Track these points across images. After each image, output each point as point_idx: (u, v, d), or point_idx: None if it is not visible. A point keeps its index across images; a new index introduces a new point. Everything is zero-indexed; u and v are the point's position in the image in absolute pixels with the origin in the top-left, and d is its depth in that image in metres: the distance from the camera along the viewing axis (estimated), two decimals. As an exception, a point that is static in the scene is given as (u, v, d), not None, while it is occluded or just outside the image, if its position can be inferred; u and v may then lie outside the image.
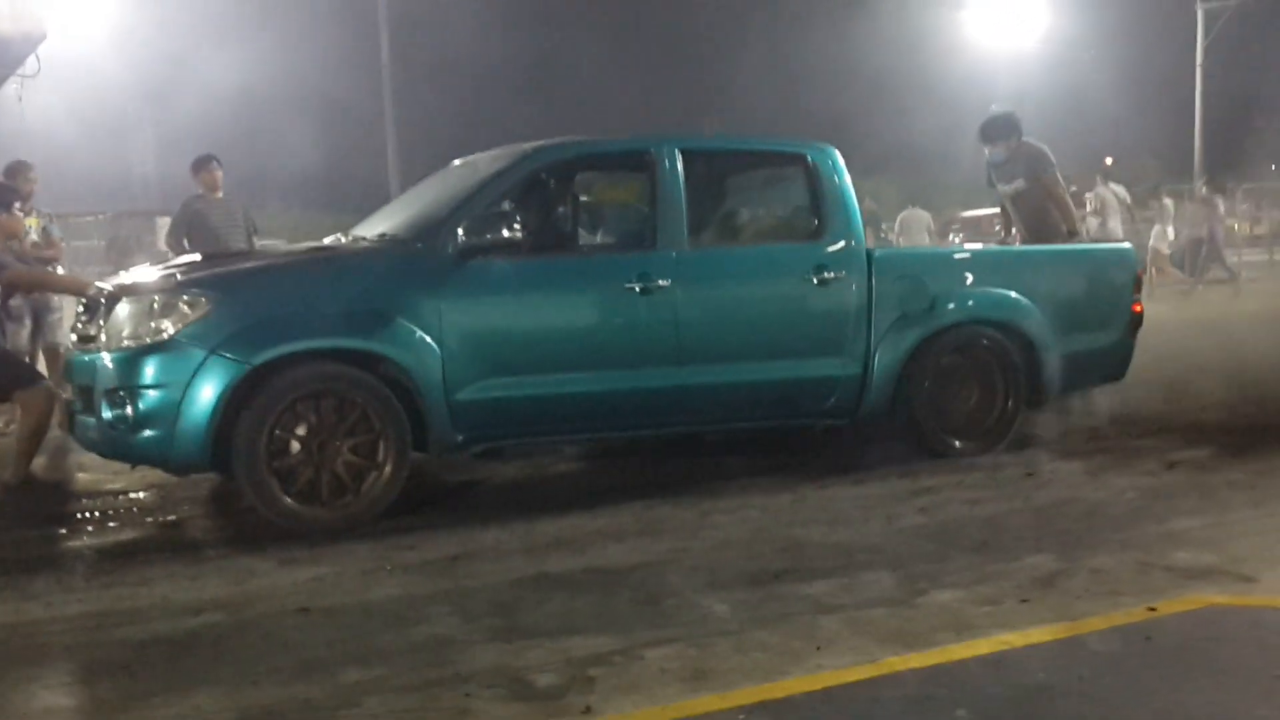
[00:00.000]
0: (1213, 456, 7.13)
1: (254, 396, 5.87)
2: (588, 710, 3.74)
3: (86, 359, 6.20)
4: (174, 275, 6.17)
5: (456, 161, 7.63)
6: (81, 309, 6.57)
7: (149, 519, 6.62)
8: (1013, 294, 7.36)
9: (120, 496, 7.13)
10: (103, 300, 6.22)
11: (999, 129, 8.92)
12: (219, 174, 10.74)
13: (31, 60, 14.45)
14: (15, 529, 6.41)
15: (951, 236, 24.43)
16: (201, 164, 10.72)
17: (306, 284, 6.20)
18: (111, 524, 6.52)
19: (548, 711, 3.76)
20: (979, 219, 26.15)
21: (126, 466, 7.00)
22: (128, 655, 4.41)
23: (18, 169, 9.85)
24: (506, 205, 6.43)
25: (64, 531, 6.40)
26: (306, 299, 6.08)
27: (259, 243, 11.00)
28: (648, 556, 5.45)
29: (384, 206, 7.76)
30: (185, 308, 5.89)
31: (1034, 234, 8.66)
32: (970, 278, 7.35)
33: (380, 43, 33.55)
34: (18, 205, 7.37)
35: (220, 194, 10.77)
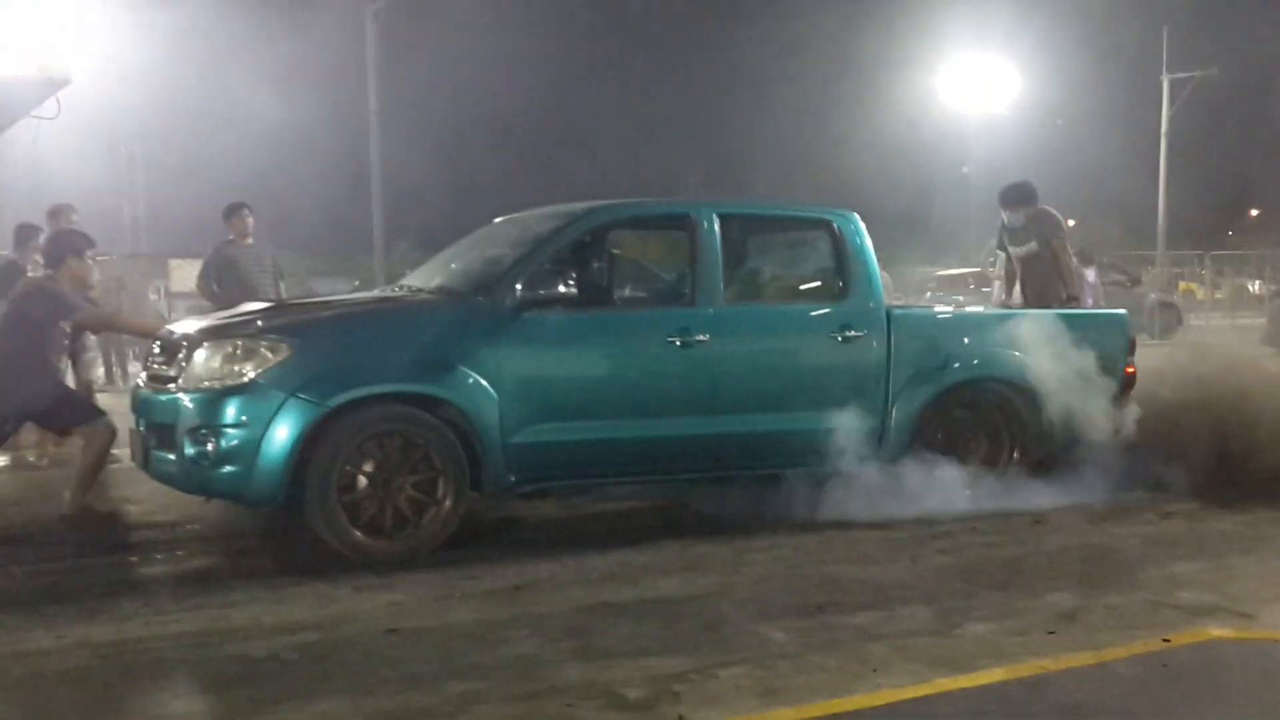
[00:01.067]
0: (1202, 508, 7.67)
1: (327, 435, 6.31)
2: (680, 719, 4.20)
3: (164, 398, 6.62)
4: (255, 322, 6.61)
5: (498, 219, 8.13)
6: (158, 351, 6.99)
7: (215, 548, 7.01)
8: (1018, 354, 7.89)
9: (177, 528, 7.50)
10: (184, 343, 6.65)
11: (1019, 196, 9.53)
12: (250, 220, 11.20)
13: (51, 103, 14.83)
14: (88, 556, 6.79)
15: (929, 294, 25.06)
16: (233, 210, 11.17)
17: (377, 332, 6.67)
18: (179, 552, 6.91)
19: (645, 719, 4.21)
20: (953, 278, 26.85)
21: (172, 499, 7.48)
22: (239, 668, 4.83)
23: (61, 211, 10.29)
24: (560, 262, 6.91)
25: (135, 559, 6.80)
26: (377, 346, 6.55)
27: (284, 287, 11.44)
28: (697, 589, 5.92)
29: (432, 259, 8.21)
30: (267, 352, 6.34)
31: (1038, 296, 9.24)
32: (980, 338, 7.87)
33: (368, 91, 34.21)
34: (89, 252, 7.78)
35: (250, 240, 11.21)
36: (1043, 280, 9.32)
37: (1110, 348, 8.30)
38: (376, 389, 6.43)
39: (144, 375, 7.20)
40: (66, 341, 7.95)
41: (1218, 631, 5.16)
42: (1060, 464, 8.06)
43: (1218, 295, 38.67)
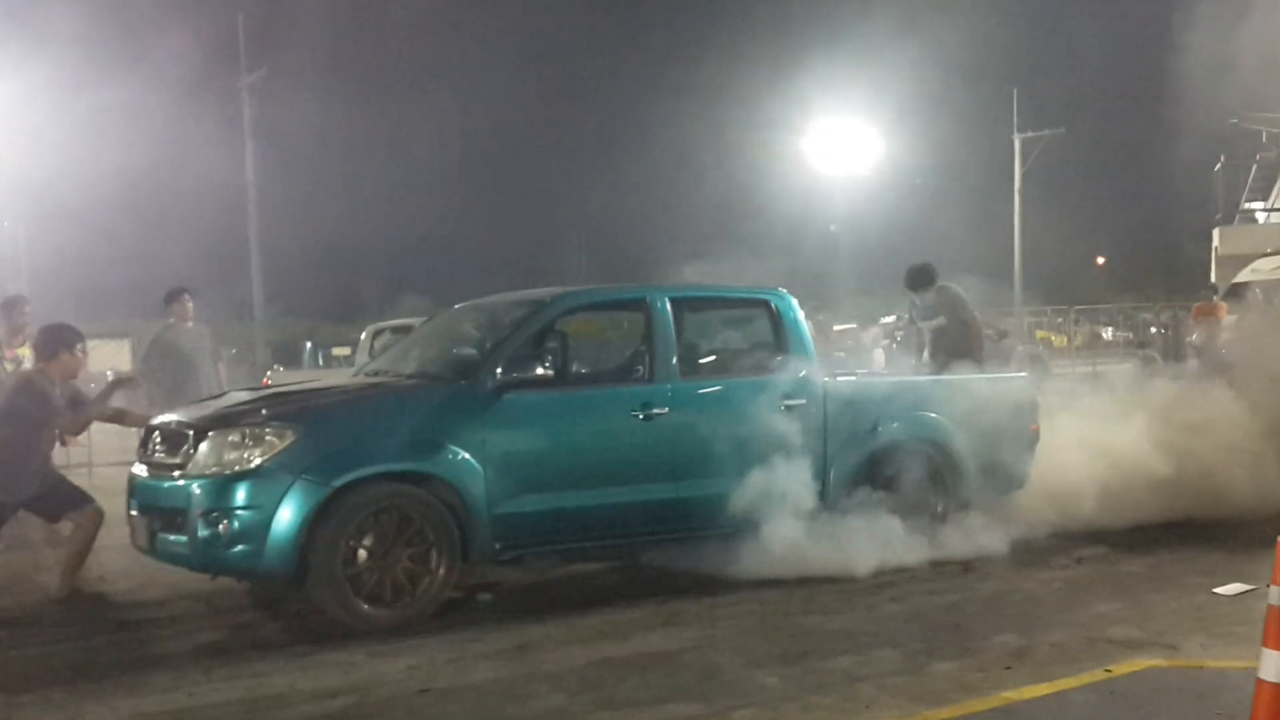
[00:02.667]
0: (1111, 552, 8.54)
1: (331, 513, 6.82)
2: (717, 756, 4.83)
3: (171, 484, 7.07)
4: (260, 410, 7.10)
5: (459, 305, 8.74)
6: (160, 440, 7.42)
7: (214, 623, 7.40)
8: (937, 416, 8.70)
9: (167, 605, 7.86)
10: (190, 432, 7.10)
11: (925, 279, 10.46)
12: (190, 304, 11.60)
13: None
14: (99, 635, 7.16)
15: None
16: (174, 295, 11.55)
17: (373, 416, 7.22)
18: (183, 629, 7.30)
19: (685, 759, 4.83)
20: (844, 332, 27.90)
21: (149, 578, 8.04)
22: (303, 731, 5.32)
23: (15, 303, 10.59)
24: (533, 345, 7.53)
25: (144, 636, 7.16)
26: (374, 429, 7.09)
27: (223, 369, 11.84)
28: (684, 643, 6.55)
29: (394, 347, 8.76)
30: (273, 438, 6.85)
31: (948, 361, 10.11)
32: (906, 403, 8.65)
33: (245, 158, 34.42)
34: (79, 346, 8.20)
35: (190, 323, 11.60)
36: (954, 349, 10.21)
37: (1019, 408, 9.16)
38: (376, 469, 6.97)
39: (141, 464, 7.61)
40: (57, 431, 8.32)
41: (1150, 661, 5.95)
42: (973, 515, 8.84)
43: (1076, 343, 40.50)
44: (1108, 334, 45.28)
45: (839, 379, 8.63)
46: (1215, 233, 27.21)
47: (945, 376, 9.47)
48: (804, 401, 8.23)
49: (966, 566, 8.14)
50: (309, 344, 23.18)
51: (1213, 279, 25.27)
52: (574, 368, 7.68)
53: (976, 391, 9.00)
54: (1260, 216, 31.96)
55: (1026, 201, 42.77)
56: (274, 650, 6.66)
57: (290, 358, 26.82)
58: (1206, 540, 8.85)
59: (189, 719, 5.55)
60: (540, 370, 7.36)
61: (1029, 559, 8.35)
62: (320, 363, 21.12)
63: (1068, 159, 47.79)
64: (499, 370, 7.35)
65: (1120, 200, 65.49)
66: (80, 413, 8.40)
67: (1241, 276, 21.83)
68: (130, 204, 33.08)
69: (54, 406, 8.11)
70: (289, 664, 6.36)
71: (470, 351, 7.74)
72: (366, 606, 6.92)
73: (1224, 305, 20.64)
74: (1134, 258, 64.83)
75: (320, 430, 7.01)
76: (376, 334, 17.78)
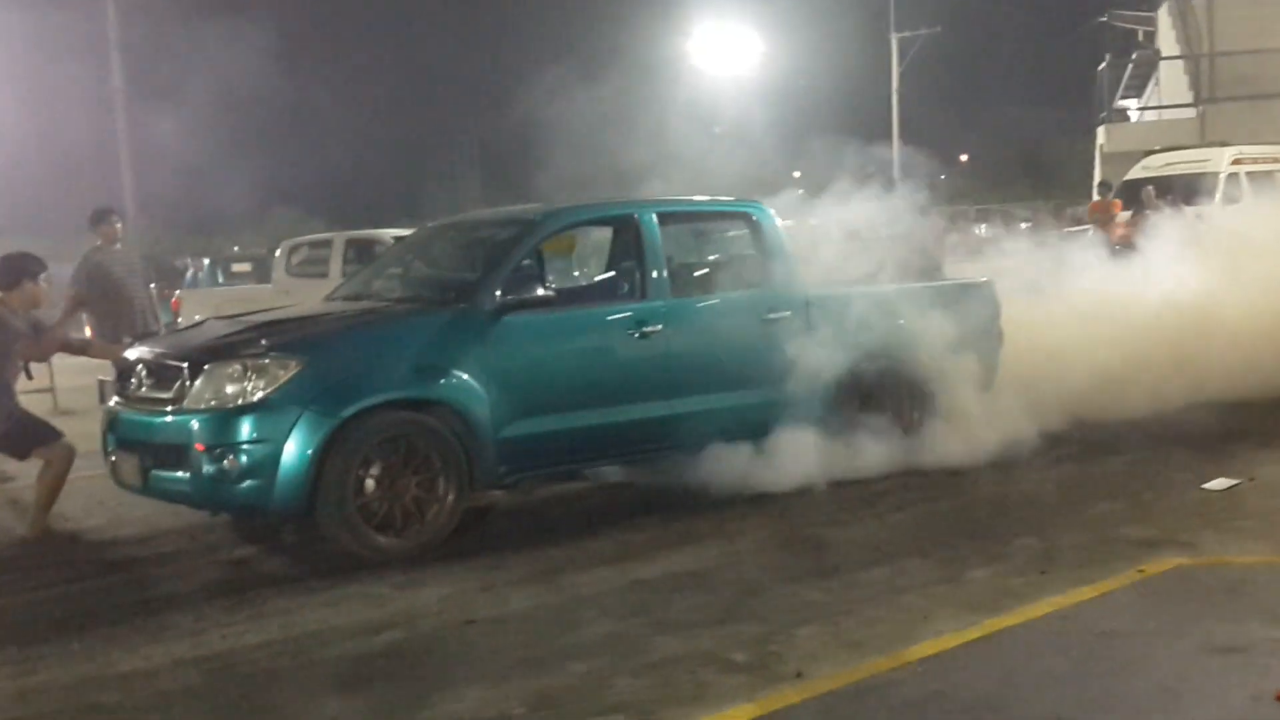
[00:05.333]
0: (1084, 452, 8.73)
1: (340, 444, 6.64)
2: (799, 675, 4.83)
3: (166, 420, 6.81)
4: (259, 340, 6.85)
5: (434, 223, 8.52)
6: (146, 374, 7.12)
7: (208, 560, 7.16)
8: (913, 324, 8.75)
9: (150, 543, 7.59)
10: (183, 364, 6.83)
11: None
12: (118, 226, 11.12)
13: None
14: (89, 578, 6.87)
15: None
16: (101, 217, 11.05)
17: (376, 343, 7.02)
18: (178, 566, 7.06)
19: (767, 678, 4.83)
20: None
21: (121, 514, 7.89)
22: (356, 669, 5.21)
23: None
24: (528, 265, 7.38)
25: (139, 577, 6.88)
26: (378, 356, 6.90)
27: (154, 290, 11.43)
28: (709, 561, 6.55)
29: (365, 269, 8.51)
30: (277, 370, 6.63)
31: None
32: (883, 312, 8.68)
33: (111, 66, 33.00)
34: (42, 276, 7.83)
35: (119, 245, 11.14)
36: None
37: (982, 315, 9.26)
38: (384, 397, 6.80)
39: (120, 397, 7.32)
40: (21, 364, 7.94)
41: (1176, 560, 6.10)
42: (949, 420, 8.95)
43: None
44: (981, 230, 46.01)
45: (819, 290, 8.59)
46: (1100, 130, 27.74)
47: (919, 285, 9.49)
48: (788, 314, 8.21)
49: (952, 473, 8.23)
50: (206, 261, 22.36)
51: (1098, 176, 25.81)
52: (570, 287, 7.52)
53: (949, 298, 9.06)
54: (1134, 115, 32.76)
55: (902, 102, 43.10)
56: (288, 585, 6.50)
57: (171, 276, 25.89)
58: (1171, 438, 9.09)
59: (234, 662, 5.37)
60: (540, 291, 7.22)
61: (1009, 462, 8.46)
62: (220, 280, 20.44)
63: (944, 58, 48.09)
64: (498, 292, 7.20)
65: (989, 100, 66.37)
66: (44, 338, 8.03)
67: (1133, 173, 22.37)
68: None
69: (17, 335, 7.73)
70: (312, 599, 6.21)
71: (465, 274, 7.55)
72: (380, 537, 6.77)
73: (1119, 202, 21.16)
74: (998, 156, 65.82)
75: (324, 360, 6.80)
76: (293, 249, 17.40)
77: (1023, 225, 36.63)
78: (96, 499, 8.41)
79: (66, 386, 13.98)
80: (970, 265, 12.12)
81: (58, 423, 8.34)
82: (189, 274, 25.52)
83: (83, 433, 9.04)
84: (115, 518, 8.07)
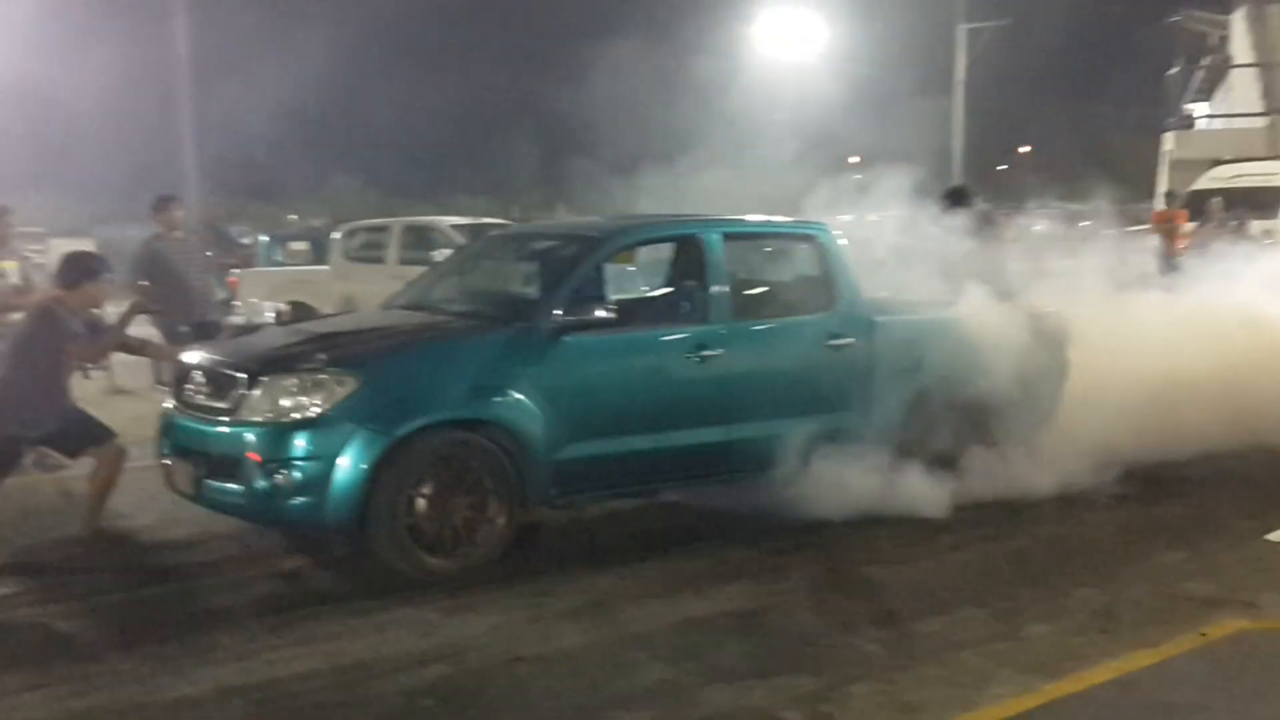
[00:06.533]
0: (1145, 491, 8.55)
1: (393, 463, 6.59)
2: (853, 738, 4.74)
3: (221, 430, 6.80)
4: (316, 354, 6.80)
5: (496, 233, 8.45)
6: (203, 381, 7.10)
7: (259, 571, 7.13)
8: (978, 354, 8.57)
9: (196, 547, 7.54)
10: (241, 375, 6.81)
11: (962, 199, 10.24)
12: (179, 214, 11.15)
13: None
14: (141, 585, 6.87)
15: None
16: (163, 204, 11.08)
17: (433, 361, 6.97)
18: (228, 577, 7.04)
19: (820, 741, 4.74)
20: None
21: (166, 514, 7.82)
22: (408, 707, 5.15)
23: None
24: (589, 284, 7.30)
25: (189, 586, 6.85)
26: (434, 375, 6.85)
27: (215, 281, 11.45)
28: (761, 601, 6.44)
29: (425, 276, 8.45)
30: (335, 385, 6.59)
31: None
32: (948, 341, 8.51)
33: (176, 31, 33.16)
34: (105, 276, 7.81)
35: (179, 233, 11.16)
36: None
37: (1053, 342, 9.08)
38: (440, 416, 6.75)
39: (177, 402, 7.31)
40: (76, 363, 7.95)
41: (1238, 623, 5.95)
42: (1010, 453, 8.78)
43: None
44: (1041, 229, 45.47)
45: (884, 317, 8.44)
46: (1168, 136, 27.23)
47: (986, 312, 9.31)
48: (852, 340, 8.09)
49: (1012, 509, 8.08)
50: (265, 238, 22.27)
51: (1165, 183, 25.34)
52: (631, 308, 7.44)
53: (1016, 327, 8.88)
54: (1201, 122, 32.14)
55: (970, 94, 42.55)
56: (337, 605, 6.45)
57: (228, 243, 25.87)
58: (1234, 477, 8.90)
59: (281, 693, 5.33)
60: (600, 313, 7.14)
61: (1068, 499, 8.30)
62: (278, 258, 20.41)
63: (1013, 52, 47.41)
64: (558, 311, 7.12)
65: (1054, 94, 65.46)
66: (100, 340, 8.03)
67: (1200, 183, 21.97)
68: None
69: (72, 335, 7.73)
70: (359, 623, 6.16)
71: (524, 290, 7.49)
72: (429, 558, 6.73)
73: (1184, 213, 20.74)
74: (1060, 150, 64.99)
75: (382, 377, 6.75)
76: (351, 233, 17.43)
77: (1081, 225, 36.32)
78: (149, 493, 8.37)
79: (124, 361, 14.01)
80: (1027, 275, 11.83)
81: (113, 402, 8.36)
82: (250, 245, 25.54)
83: (135, 416, 9.06)
84: (166, 516, 8.01)
